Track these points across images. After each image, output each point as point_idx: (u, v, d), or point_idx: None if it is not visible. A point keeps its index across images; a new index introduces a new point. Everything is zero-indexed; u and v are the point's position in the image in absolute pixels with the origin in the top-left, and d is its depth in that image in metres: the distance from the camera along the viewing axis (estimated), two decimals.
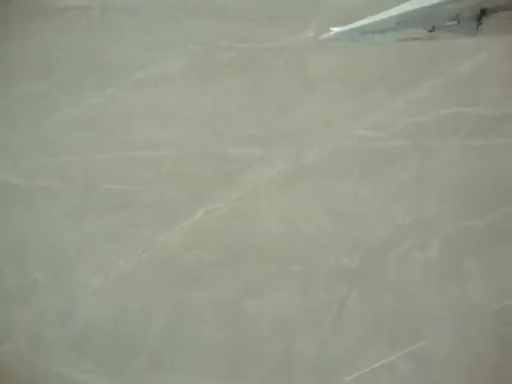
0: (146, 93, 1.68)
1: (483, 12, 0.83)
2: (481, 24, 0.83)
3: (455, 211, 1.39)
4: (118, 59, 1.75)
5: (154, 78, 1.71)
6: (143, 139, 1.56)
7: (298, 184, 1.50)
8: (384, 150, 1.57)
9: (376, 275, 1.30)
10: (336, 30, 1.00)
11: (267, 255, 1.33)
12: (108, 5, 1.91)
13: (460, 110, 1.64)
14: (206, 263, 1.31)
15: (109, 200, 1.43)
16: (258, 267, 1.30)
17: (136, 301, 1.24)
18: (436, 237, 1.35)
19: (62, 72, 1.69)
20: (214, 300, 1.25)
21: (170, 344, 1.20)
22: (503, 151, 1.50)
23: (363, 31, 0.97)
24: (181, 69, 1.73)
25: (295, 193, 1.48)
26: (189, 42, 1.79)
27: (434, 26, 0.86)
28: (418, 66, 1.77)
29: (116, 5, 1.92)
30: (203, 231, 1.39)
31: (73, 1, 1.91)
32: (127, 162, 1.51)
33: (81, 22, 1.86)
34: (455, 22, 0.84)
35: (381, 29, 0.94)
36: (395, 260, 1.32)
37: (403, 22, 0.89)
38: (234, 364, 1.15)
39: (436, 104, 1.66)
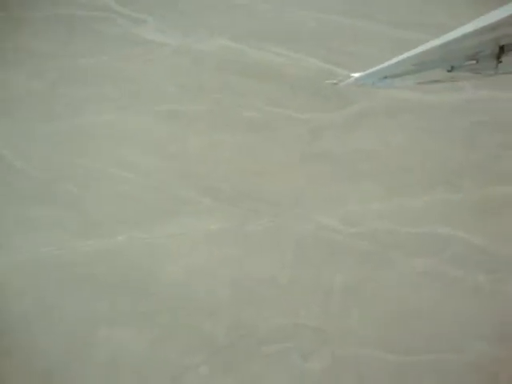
0: (158, 123, 1.78)
1: (502, 50, 0.77)
2: (500, 62, 0.78)
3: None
4: (156, 91, 1.90)
5: (173, 114, 1.80)
6: (123, 159, 1.61)
7: (225, 247, 1.40)
8: (333, 245, 1.40)
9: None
10: (356, 75, 0.99)
11: (141, 296, 1.26)
12: (181, 47, 2.10)
13: (446, 232, 1.40)
14: (86, 279, 1.29)
15: (59, 198, 1.54)
16: (125, 302, 1.24)
17: (21, 289, 1.29)
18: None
19: (108, 88, 1.90)
20: (68, 324, 1.23)
21: None
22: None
23: (383, 75, 0.94)
24: (198, 113, 1.80)
25: (218, 254, 1.39)
26: (217, 92, 1.87)
27: (452, 66, 0.82)
28: (448, 172, 1.57)
29: (185, 48, 2.10)
30: (114, 253, 1.39)
31: (153, 35, 2.15)
32: (96, 175, 1.58)
33: (151, 55, 2.07)
34: (474, 62, 0.79)
35: (400, 72, 0.92)
36: (269, 355, 1.16)
37: (421, 63, 0.85)
38: None
39: (429, 221, 1.45)
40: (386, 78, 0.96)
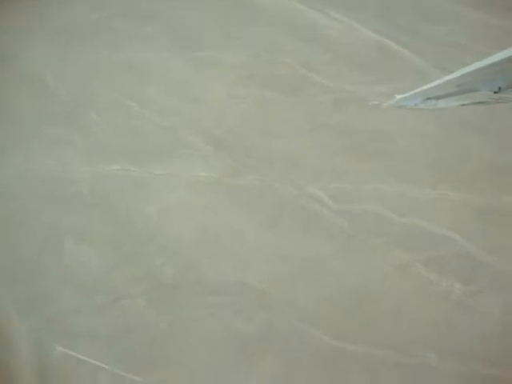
0: (191, 68, 1.78)
1: None
2: None
3: None
4: (201, 37, 1.90)
5: (209, 61, 1.79)
6: (146, 96, 1.63)
7: (207, 195, 1.39)
8: (313, 217, 1.33)
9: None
10: (399, 96, 0.98)
11: (113, 223, 1.29)
12: None
13: (438, 231, 1.28)
14: (72, 197, 1.35)
15: (79, 123, 1.58)
16: (97, 224, 1.29)
17: (17, 195, 1.39)
18: None
19: (158, 28, 1.92)
20: (44, 230, 1.30)
21: None
22: None
23: (426, 97, 0.92)
24: (233, 64, 1.77)
25: (198, 200, 1.38)
26: (259, 46, 1.82)
27: (499, 87, 0.78)
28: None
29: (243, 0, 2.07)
30: (104, 179, 1.42)
31: None
32: (117, 107, 1.60)
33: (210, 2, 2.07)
34: None
35: (444, 93, 0.88)
36: (208, 305, 1.15)
37: (465, 84, 0.82)
38: None
39: (424, 215, 1.33)
40: (429, 99, 0.91)
